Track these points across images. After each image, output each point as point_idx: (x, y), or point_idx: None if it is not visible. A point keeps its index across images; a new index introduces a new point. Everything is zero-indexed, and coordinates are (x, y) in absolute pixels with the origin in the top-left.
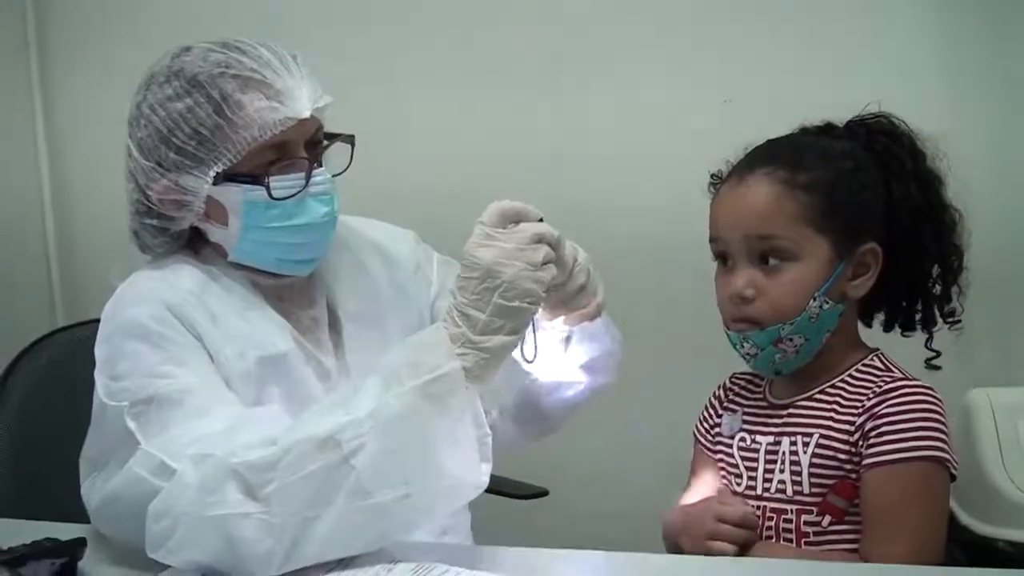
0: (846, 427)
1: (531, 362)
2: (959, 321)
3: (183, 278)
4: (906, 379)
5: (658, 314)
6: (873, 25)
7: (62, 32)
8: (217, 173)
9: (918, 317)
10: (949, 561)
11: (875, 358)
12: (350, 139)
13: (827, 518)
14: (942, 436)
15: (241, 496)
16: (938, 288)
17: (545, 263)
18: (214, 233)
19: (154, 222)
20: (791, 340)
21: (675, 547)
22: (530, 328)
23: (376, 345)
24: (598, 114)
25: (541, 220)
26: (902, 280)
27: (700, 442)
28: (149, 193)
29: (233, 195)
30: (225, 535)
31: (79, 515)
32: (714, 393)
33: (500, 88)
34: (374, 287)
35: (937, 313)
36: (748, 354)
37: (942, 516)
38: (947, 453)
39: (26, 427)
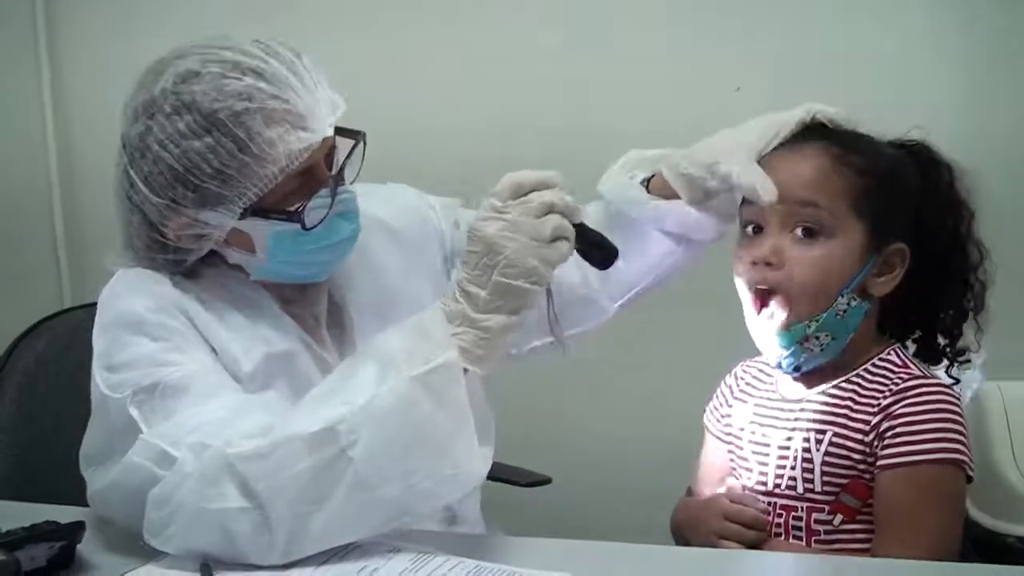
0: (861, 426)
1: (562, 346)
2: (968, 361)
3: (186, 275)
4: (924, 377)
5: (667, 298)
6: (885, 18)
7: (70, 8)
8: (244, 208)
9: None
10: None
11: (892, 352)
12: (362, 136)
13: (839, 517)
14: (959, 438)
15: (238, 490)
16: (949, 319)
17: (557, 238)
18: (234, 256)
19: (170, 256)
20: (817, 338)
21: (683, 540)
22: (548, 303)
23: None
24: (602, 107)
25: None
26: (917, 307)
27: (711, 431)
28: (164, 230)
29: (261, 228)
30: (223, 528)
31: (79, 497)
32: (724, 382)
33: (501, 78)
34: (380, 279)
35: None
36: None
37: (958, 519)
38: (964, 455)
39: (27, 409)
